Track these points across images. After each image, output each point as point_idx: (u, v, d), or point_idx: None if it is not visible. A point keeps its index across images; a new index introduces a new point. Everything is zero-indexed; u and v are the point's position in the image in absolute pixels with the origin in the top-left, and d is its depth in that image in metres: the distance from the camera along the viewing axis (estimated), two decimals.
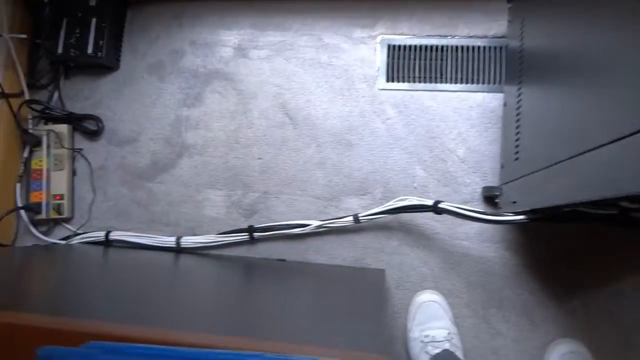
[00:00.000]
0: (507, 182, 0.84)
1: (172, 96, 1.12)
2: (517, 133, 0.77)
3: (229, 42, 1.11)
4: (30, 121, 1.14)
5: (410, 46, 1.03)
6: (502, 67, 0.98)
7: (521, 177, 0.73)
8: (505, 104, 0.90)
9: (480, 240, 0.98)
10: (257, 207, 1.06)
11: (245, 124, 1.08)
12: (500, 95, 0.98)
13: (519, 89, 0.78)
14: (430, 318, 0.93)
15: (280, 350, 0.29)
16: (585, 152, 0.46)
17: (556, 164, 0.55)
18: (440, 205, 0.87)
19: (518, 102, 0.78)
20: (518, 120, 0.77)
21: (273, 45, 1.09)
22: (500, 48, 0.99)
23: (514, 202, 0.78)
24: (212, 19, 1.13)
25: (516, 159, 0.77)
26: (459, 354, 0.89)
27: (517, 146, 0.77)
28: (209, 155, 1.09)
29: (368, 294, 0.62)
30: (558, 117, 0.56)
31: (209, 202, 1.08)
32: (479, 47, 1.00)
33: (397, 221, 1.01)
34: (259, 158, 1.07)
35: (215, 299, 0.53)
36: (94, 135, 1.14)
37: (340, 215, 1.01)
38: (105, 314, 0.39)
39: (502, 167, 0.90)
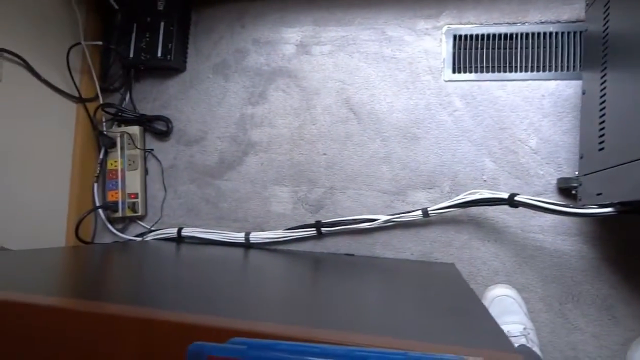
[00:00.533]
0: (589, 174, 0.81)
1: (236, 95, 1.15)
2: (602, 122, 0.74)
3: (291, 39, 1.12)
4: (104, 124, 1.19)
5: (477, 35, 1.01)
6: (579, 53, 0.94)
7: (608, 168, 0.70)
8: (584, 92, 0.87)
9: (555, 234, 0.95)
10: (323, 203, 1.07)
11: (309, 120, 1.10)
12: (576, 82, 0.94)
13: (603, 75, 0.75)
14: (505, 313, 0.92)
15: (419, 349, 0.30)
16: None
17: None
18: (516, 199, 0.85)
19: (602, 89, 0.74)
20: (603, 108, 0.74)
21: (335, 40, 1.10)
22: (575, 33, 0.95)
23: (599, 194, 0.75)
24: (273, 17, 1.14)
25: (601, 149, 0.74)
26: (535, 349, 0.87)
27: (601, 135, 0.74)
28: (274, 152, 1.11)
29: (456, 288, 0.61)
30: None
31: (275, 199, 1.10)
32: (551, 33, 0.97)
33: (466, 215, 0.99)
34: (324, 154, 1.08)
35: (307, 295, 0.54)
36: (163, 135, 1.18)
37: (407, 210, 1.00)
38: (211, 309, 0.41)
39: (581, 157, 0.86)
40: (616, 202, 0.70)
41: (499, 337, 0.35)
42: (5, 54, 0.94)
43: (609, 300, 0.91)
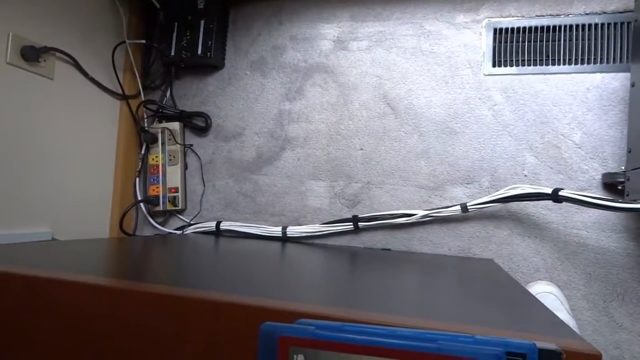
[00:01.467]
0: (638, 168, 0.79)
1: (274, 91, 1.16)
2: None
3: (328, 35, 1.13)
4: (146, 120, 1.23)
5: (518, 28, 0.99)
6: (626, 44, 0.92)
7: None
8: (633, 84, 0.84)
9: (599, 230, 0.93)
10: (359, 197, 1.08)
11: (347, 116, 1.10)
12: (623, 75, 0.92)
13: None
14: None
15: (487, 333, 0.30)
16: None
17: None
18: (560, 194, 0.84)
19: None
20: None
21: (373, 35, 1.10)
22: (623, 24, 0.93)
23: None
24: (310, 13, 1.15)
25: None
26: None
27: None
28: (311, 148, 1.12)
29: (501, 281, 0.61)
30: None
31: (312, 193, 1.11)
32: (596, 25, 0.94)
33: (506, 210, 0.98)
34: (361, 149, 1.08)
35: (352, 283, 0.55)
36: (202, 131, 1.21)
37: (445, 205, 1.00)
38: (268, 294, 0.42)
39: (629, 151, 0.84)
40: None
41: (566, 328, 0.35)
42: (58, 54, 0.98)
43: None
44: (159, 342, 0.39)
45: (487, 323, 0.36)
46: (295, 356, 0.30)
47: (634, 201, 0.76)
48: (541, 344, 0.29)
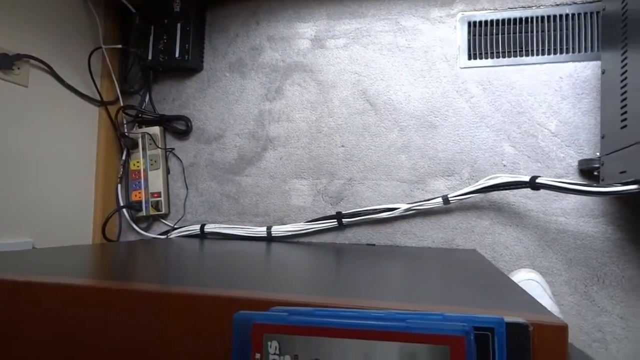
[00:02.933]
0: (611, 153, 0.80)
1: (254, 92, 1.16)
2: (624, 100, 0.73)
3: (306, 34, 1.14)
4: (125, 125, 1.22)
5: (492, 21, 1.01)
6: (596, 33, 0.94)
7: (631, 145, 0.70)
8: (603, 72, 0.86)
9: (578, 216, 0.94)
10: (343, 194, 1.08)
11: (327, 113, 1.11)
12: (595, 63, 0.94)
13: (624, 53, 0.74)
14: None
15: (457, 312, 0.31)
16: None
17: None
18: (538, 181, 0.85)
19: (623, 67, 0.74)
20: (624, 86, 0.73)
21: (350, 33, 1.10)
22: (592, 13, 0.95)
23: (622, 172, 0.74)
24: (287, 13, 1.16)
25: (623, 127, 0.74)
26: None
27: (624, 113, 0.73)
28: (293, 147, 1.12)
29: (482, 269, 0.62)
30: None
31: (295, 192, 1.12)
32: (567, 15, 0.96)
33: (487, 200, 0.99)
34: (342, 146, 1.09)
35: (334, 276, 0.55)
36: (183, 134, 1.20)
37: (427, 198, 1.01)
38: (247, 286, 0.42)
39: (602, 137, 0.86)
40: None
41: (536, 304, 0.36)
42: (32, 61, 0.97)
43: (635, 281, 0.90)
44: (142, 338, 0.39)
45: (461, 304, 0.36)
46: (269, 342, 0.31)
47: (609, 185, 0.77)
48: (509, 318, 0.30)
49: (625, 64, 0.73)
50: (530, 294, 0.94)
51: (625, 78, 0.73)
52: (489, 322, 0.29)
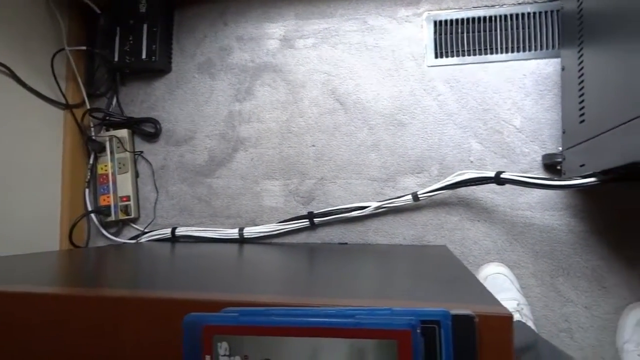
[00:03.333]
0: (571, 147, 0.83)
1: (223, 92, 1.16)
2: (581, 95, 0.76)
3: (275, 34, 1.13)
4: (92, 129, 1.20)
5: (457, 20, 1.02)
6: (556, 31, 0.96)
7: (589, 139, 0.72)
8: (563, 69, 0.88)
9: (543, 209, 0.97)
10: (314, 194, 1.08)
11: (297, 113, 1.11)
12: (556, 60, 0.96)
13: (580, 50, 0.76)
14: (498, 290, 0.93)
15: (405, 306, 0.31)
16: None
17: (634, 119, 0.54)
18: (502, 176, 0.87)
19: (580, 64, 0.76)
20: (581, 82, 0.76)
21: (318, 33, 1.11)
22: (552, 12, 0.97)
23: (582, 166, 0.77)
24: (255, 13, 1.15)
25: (581, 121, 0.76)
26: (530, 324, 0.89)
27: (581, 108, 0.75)
28: (264, 147, 1.12)
29: (447, 264, 0.63)
30: (632, 72, 0.55)
31: (267, 193, 1.11)
32: (528, 14, 0.99)
33: (455, 196, 1.01)
34: (313, 145, 1.09)
35: (299, 275, 0.55)
36: (152, 137, 1.19)
37: (398, 195, 1.02)
38: (203, 288, 0.42)
39: (564, 132, 0.88)
40: (598, 171, 0.71)
41: (487, 296, 0.36)
42: None
43: (598, 271, 0.93)
44: (96, 344, 0.38)
45: (412, 298, 0.37)
46: (219, 344, 0.30)
47: (570, 179, 0.79)
48: (455, 311, 0.30)
49: (582, 61, 0.75)
50: (499, 287, 0.96)
51: (583, 74, 0.75)
52: (435, 315, 0.29)
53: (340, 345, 0.29)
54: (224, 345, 0.30)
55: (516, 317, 0.89)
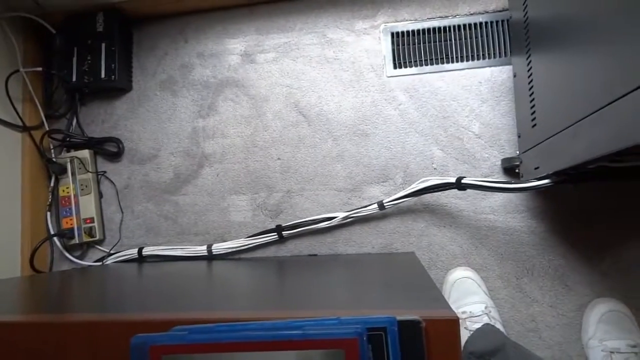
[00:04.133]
0: (526, 150, 0.85)
1: (186, 109, 1.15)
2: (532, 100, 0.78)
3: (235, 49, 1.14)
4: (52, 150, 1.17)
5: (413, 31, 1.05)
6: (507, 39, 1.00)
7: (541, 142, 0.75)
8: (515, 75, 0.92)
9: (505, 212, 0.99)
10: (282, 207, 1.08)
11: (261, 127, 1.11)
12: (508, 67, 0.99)
13: (528, 57, 0.79)
14: (466, 294, 0.95)
15: (353, 315, 0.31)
16: (605, 105, 0.47)
17: (578, 121, 0.57)
18: (463, 181, 0.89)
19: (529, 70, 0.79)
20: (531, 88, 0.78)
21: (279, 47, 1.12)
22: (503, 21, 1.01)
23: (536, 168, 0.79)
24: (215, 29, 1.15)
25: (533, 125, 0.79)
26: (498, 326, 0.90)
27: (533, 113, 0.78)
28: (229, 162, 1.12)
29: (411, 272, 0.64)
30: (575, 76, 0.58)
31: (234, 208, 1.11)
32: (481, 23, 1.02)
33: (421, 203, 1.03)
34: (278, 158, 1.09)
35: (264, 290, 0.55)
36: (115, 156, 1.17)
37: (365, 205, 1.03)
38: (154, 308, 0.41)
39: (519, 136, 0.91)
40: (551, 172, 0.74)
41: (438, 301, 0.37)
42: None
43: (560, 270, 0.96)
44: None
45: (366, 306, 0.37)
46: None
47: (527, 181, 0.82)
48: (402, 317, 0.31)
49: (531, 67, 0.78)
50: (466, 291, 0.97)
51: (532, 80, 0.78)
52: (381, 322, 0.30)
53: (288, 357, 0.29)
54: None
55: (485, 320, 0.90)
